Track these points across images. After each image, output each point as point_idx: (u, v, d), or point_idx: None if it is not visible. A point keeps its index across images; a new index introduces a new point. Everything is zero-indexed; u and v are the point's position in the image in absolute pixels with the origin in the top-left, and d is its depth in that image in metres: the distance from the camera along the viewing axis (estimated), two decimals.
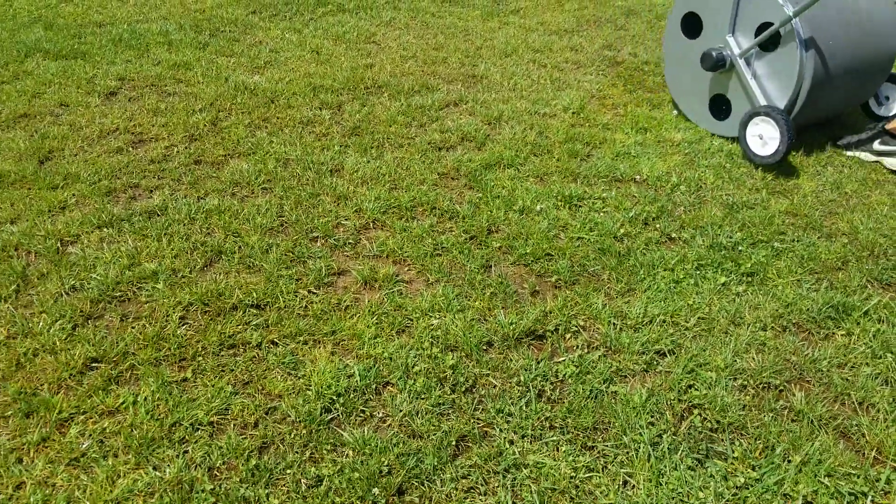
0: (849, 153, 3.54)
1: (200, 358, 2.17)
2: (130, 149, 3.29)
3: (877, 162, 3.47)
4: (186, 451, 1.87)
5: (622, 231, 2.85)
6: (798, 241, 2.81)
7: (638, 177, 3.26)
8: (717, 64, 3.50)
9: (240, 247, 2.67)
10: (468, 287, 2.52)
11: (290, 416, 1.97)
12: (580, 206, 3.02)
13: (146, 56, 4.27)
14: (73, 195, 2.91)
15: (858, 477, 1.85)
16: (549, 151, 3.45)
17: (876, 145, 3.45)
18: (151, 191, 2.99)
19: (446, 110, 3.88)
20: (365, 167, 3.23)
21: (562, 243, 2.77)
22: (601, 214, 2.97)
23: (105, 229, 2.73)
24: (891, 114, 3.86)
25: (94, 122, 3.47)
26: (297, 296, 2.44)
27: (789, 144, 3.22)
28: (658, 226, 2.90)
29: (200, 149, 3.31)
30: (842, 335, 2.35)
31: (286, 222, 2.84)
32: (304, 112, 3.70)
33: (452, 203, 3.01)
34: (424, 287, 2.53)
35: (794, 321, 2.40)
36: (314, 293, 2.47)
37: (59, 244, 2.63)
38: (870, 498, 1.80)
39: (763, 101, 3.42)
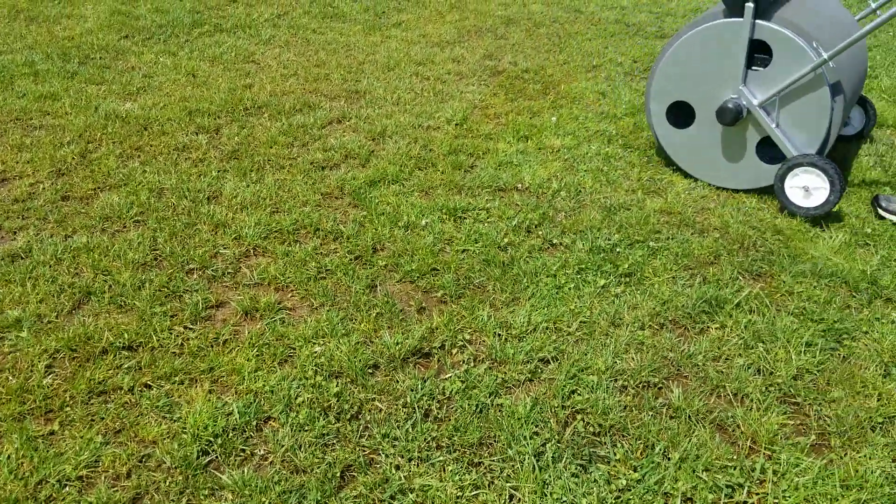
0: None
1: (68, 408, 2.05)
2: None
3: None
4: None
5: (506, 240, 2.88)
6: (672, 238, 2.90)
7: (520, 185, 3.30)
8: (737, 117, 3.20)
9: (110, 286, 2.55)
10: (353, 309, 2.48)
11: (165, 463, 1.89)
12: (465, 218, 3.03)
13: (10, 89, 4.05)
14: None
15: (735, 469, 1.91)
16: (434, 164, 3.46)
17: None
18: (15, 232, 2.83)
19: (329, 128, 3.83)
20: (244, 192, 3.15)
21: (447, 257, 2.77)
22: (485, 225, 2.99)
23: None
24: (853, 132, 3.88)
25: None
26: (171, 333, 2.35)
27: (841, 193, 3.02)
28: (540, 233, 2.94)
29: (68, 184, 3.16)
30: (716, 328, 2.43)
31: (160, 256, 2.73)
32: (180, 138, 3.59)
33: (336, 223, 2.96)
34: (308, 313, 2.48)
35: (670, 318, 2.47)
36: (190, 329, 2.38)
37: None
38: (746, 489, 1.87)
39: (793, 151, 3.16)
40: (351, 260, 2.75)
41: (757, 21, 3.11)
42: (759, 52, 3.21)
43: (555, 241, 2.89)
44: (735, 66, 3.20)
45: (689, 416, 2.07)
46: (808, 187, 3.10)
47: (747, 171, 3.32)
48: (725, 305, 2.52)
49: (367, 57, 4.97)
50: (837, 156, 3.63)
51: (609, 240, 2.87)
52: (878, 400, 2.14)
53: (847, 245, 2.87)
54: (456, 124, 3.92)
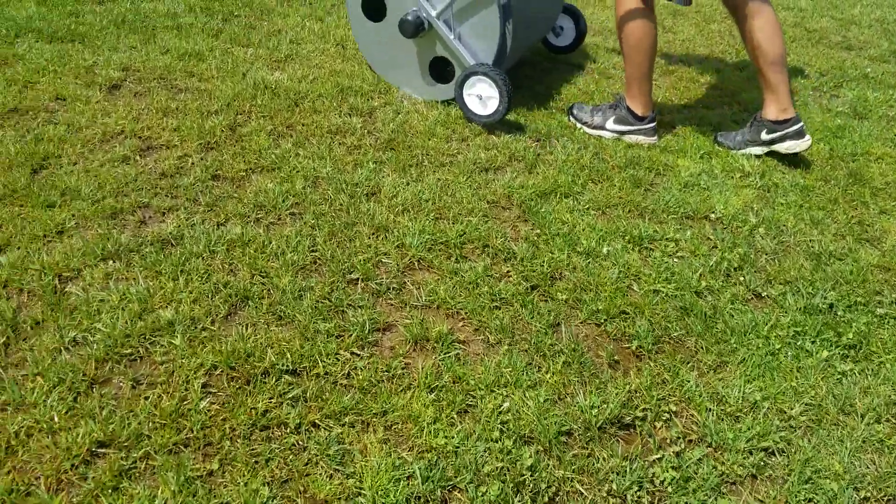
0: (740, 151, 3.41)
1: (229, 443, 1.81)
2: (138, 158, 2.88)
3: (770, 152, 3.37)
4: None
5: (703, 284, 2.51)
6: None
7: (712, 215, 2.91)
8: (418, 29, 3.34)
9: (269, 290, 2.29)
10: (535, 353, 2.17)
11: None
12: (652, 250, 2.67)
13: (153, 42, 3.84)
14: (73, 216, 2.52)
15: None
16: (609, 178, 3.09)
17: (763, 135, 3.32)
18: (164, 213, 2.60)
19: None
20: (405, 191, 2.85)
21: (636, 297, 2.43)
22: (676, 260, 2.62)
23: (111, 262, 2.34)
24: (567, 43, 4.21)
25: (96, 122, 3.06)
26: (338, 359, 2.08)
27: (509, 102, 3.21)
28: (742, 278, 2.56)
29: (218, 160, 2.91)
30: None
31: (320, 259, 2.47)
32: (333, 118, 3.31)
33: (507, 240, 2.64)
34: (484, 349, 2.18)
35: None
36: (357, 355, 2.11)
37: (56, 281, 2.24)
38: None
39: (471, 60, 3.33)
40: (527, 289, 2.42)
41: None
42: None
43: (761, 291, 2.50)
44: None
45: None
46: (481, 96, 3.27)
47: (425, 83, 3.57)
48: None
49: None
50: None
51: (825, 298, 2.47)
52: None
53: None
54: None
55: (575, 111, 3.50)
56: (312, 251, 2.49)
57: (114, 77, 3.41)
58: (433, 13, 3.33)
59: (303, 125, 3.23)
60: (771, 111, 3.26)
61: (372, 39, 3.63)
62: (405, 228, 2.64)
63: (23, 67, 3.39)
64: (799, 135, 3.22)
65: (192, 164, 2.88)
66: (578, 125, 3.46)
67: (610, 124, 3.41)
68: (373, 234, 2.61)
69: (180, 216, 2.58)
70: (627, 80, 3.37)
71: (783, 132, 3.23)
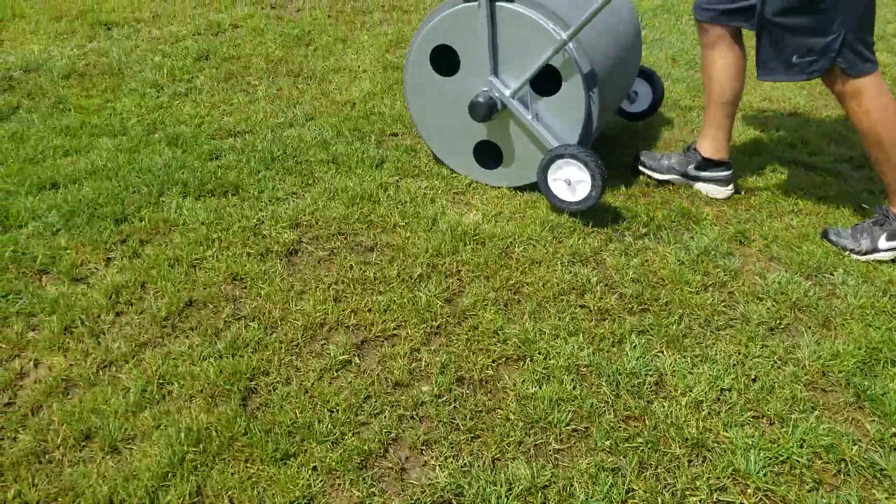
0: (657, 175, 3.36)
1: None
2: (358, 360, 2.34)
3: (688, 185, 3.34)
4: None
5: None
6: None
7: None
8: (491, 110, 3.01)
9: None
10: None
11: None
12: None
13: (313, 184, 3.31)
14: (315, 470, 1.97)
15: None
16: None
17: (690, 170, 3.29)
18: (422, 450, 2.04)
19: (738, 253, 2.89)
20: (696, 379, 2.26)
21: None
22: None
23: None
24: (643, 108, 3.74)
25: (291, 311, 2.53)
26: None
27: (603, 185, 2.89)
28: None
29: (453, 354, 2.36)
30: None
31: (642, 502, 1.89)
32: (558, 271, 2.74)
33: (861, 449, 2.04)
34: None
35: None
36: None
37: None
38: None
39: (554, 142, 2.98)
40: None
41: (497, 3, 2.91)
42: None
43: None
44: (482, 57, 3.01)
45: None
46: (570, 180, 2.95)
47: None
48: None
49: None
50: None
51: None
52: None
53: None
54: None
55: (833, 238, 2.90)
56: (630, 495, 1.91)
57: (287, 240, 2.89)
58: (507, 92, 3.01)
59: (527, 284, 2.67)
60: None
61: (510, 175, 3.27)
62: (726, 443, 2.05)
63: (181, 238, 2.88)
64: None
65: (425, 363, 2.33)
66: (845, 252, 2.85)
67: (883, 243, 2.81)
68: (690, 455, 2.02)
69: (445, 453, 2.02)
70: (890, 185, 2.79)
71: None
